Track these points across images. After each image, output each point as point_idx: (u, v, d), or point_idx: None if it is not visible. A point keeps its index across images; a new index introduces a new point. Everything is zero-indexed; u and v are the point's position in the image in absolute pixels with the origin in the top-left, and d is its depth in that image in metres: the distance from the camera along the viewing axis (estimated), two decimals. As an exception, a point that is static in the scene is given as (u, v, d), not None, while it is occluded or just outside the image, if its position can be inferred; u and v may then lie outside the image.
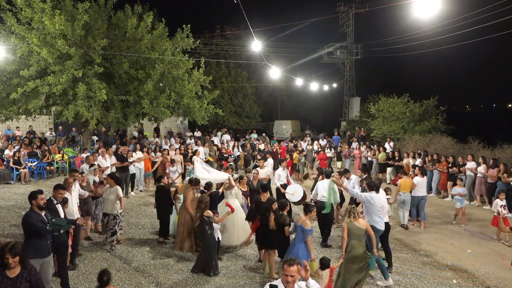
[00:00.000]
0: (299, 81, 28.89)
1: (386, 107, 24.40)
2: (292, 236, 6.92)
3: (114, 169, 12.07)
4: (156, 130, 24.31)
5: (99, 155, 12.12)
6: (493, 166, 12.76)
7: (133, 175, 13.66)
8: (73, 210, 7.38)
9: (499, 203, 9.66)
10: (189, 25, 17.00)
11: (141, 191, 14.32)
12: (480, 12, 20.16)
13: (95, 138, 20.57)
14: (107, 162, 12.06)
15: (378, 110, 25.03)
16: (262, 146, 20.51)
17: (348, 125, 31.69)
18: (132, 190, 13.83)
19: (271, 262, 7.35)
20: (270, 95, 43.14)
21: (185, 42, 17.12)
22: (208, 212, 7.55)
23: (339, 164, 19.31)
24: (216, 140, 22.16)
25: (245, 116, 33.58)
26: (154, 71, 15.71)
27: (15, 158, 14.28)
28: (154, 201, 9.45)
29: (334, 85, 35.28)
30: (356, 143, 20.25)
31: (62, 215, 6.50)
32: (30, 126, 22.04)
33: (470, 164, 13.57)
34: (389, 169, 16.42)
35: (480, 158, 13.53)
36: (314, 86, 33.05)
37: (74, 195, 7.63)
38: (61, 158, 16.39)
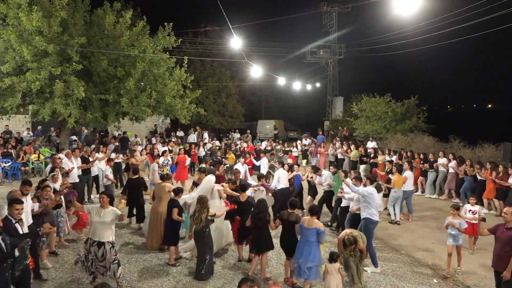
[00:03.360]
0: (282, 80, 28.85)
1: (369, 106, 24.54)
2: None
3: (80, 172, 11.32)
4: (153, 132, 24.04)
5: (61, 155, 11.07)
6: (461, 163, 13.45)
7: (96, 177, 12.34)
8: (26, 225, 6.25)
9: (468, 208, 8.72)
10: (171, 23, 16.72)
11: None
12: (462, 11, 20.35)
13: (74, 137, 20.09)
14: (73, 163, 10.95)
15: (361, 109, 25.17)
16: (245, 145, 20.33)
17: (331, 125, 31.79)
18: (98, 193, 12.32)
19: (263, 262, 7.24)
20: (254, 95, 43.01)
21: (166, 40, 16.85)
22: (212, 211, 7.28)
23: (304, 162, 19.18)
24: (192, 138, 22.07)
25: (229, 116, 33.37)
26: (135, 69, 15.43)
27: (-12, 158, 13.83)
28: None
29: (318, 84, 35.37)
30: (338, 142, 20.26)
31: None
32: (6, 125, 21.43)
33: (442, 160, 14.17)
34: (362, 167, 16.56)
35: (450, 154, 14.31)
36: (298, 86, 33.05)
37: (24, 209, 6.26)
38: (37, 159, 15.93)
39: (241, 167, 11.91)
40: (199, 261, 7.14)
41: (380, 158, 15.62)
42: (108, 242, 6.42)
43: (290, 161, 14.98)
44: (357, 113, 25.43)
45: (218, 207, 8.35)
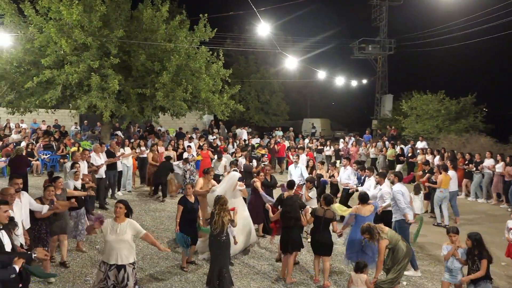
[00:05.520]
0: (328, 78, 27.88)
1: (420, 104, 23.05)
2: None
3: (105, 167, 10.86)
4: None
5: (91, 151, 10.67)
6: (510, 164, 12.24)
7: (120, 172, 12.17)
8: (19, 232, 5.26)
9: (509, 224, 7.12)
10: (205, 14, 16.39)
11: (129, 191, 12.95)
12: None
13: (118, 133, 20.35)
14: (101, 159, 10.62)
15: (411, 107, 23.74)
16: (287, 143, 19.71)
17: (379, 124, 30.37)
18: (119, 190, 12.50)
19: (290, 264, 6.67)
20: (300, 93, 42.14)
21: (202, 32, 16.54)
22: (232, 215, 6.57)
23: (338, 162, 18.26)
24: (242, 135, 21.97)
25: (272, 114, 32.81)
26: (170, 63, 15.27)
27: (28, 150, 14.13)
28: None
29: (364, 81, 33.83)
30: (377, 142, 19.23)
31: (8, 247, 4.34)
32: (55, 120, 22.23)
33: (488, 162, 13.06)
34: (399, 166, 15.63)
35: (498, 155, 13.04)
36: (344, 83, 31.78)
37: (16, 211, 5.37)
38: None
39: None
40: (214, 269, 6.22)
41: (419, 158, 14.59)
42: (129, 264, 5.18)
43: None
44: (407, 111, 24.00)
45: (241, 207, 7.82)
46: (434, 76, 35.79)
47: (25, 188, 7.41)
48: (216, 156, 12.66)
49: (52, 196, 6.36)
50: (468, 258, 5.61)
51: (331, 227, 6.66)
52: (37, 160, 14.70)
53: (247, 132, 23.70)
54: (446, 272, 5.90)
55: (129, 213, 5.35)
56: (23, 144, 14.87)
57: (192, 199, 7.06)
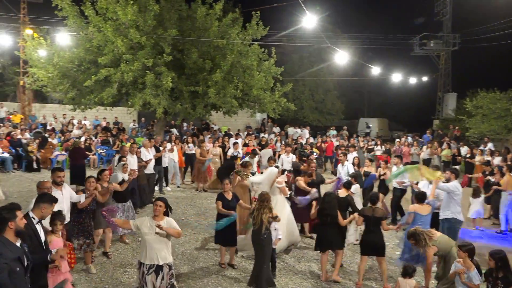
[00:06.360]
0: (386, 76, 26.83)
1: (486, 103, 21.37)
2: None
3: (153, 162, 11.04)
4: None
5: (140, 147, 11.07)
6: None
7: (166, 168, 12.33)
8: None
9: None
10: (258, 12, 16.30)
11: (178, 187, 13.09)
12: None
13: (174, 130, 20.88)
14: (150, 154, 10.87)
15: (476, 106, 22.10)
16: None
17: (441, 124, 28.68)
18: (167, 185, 12.71)
19: (338, 263, 6.53)
20: (356, 92, 40.96)
21: (254, 30, 16.47)
22: (275, 213, 6.34)
23: None
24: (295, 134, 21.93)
25: (327, 113, 32.12)
26: (225, 61, 15.35)
27: (86, 144, 14.82)
28: None
29: (424, 78, 32.03)
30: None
31: (42, 239, 4.29)
32: (115, 117, 23.26)
33: None
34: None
35: None
36: (404, 81, 30.37)
37: (58, 204, 4.88)
38: (131, 147, 16.79)
39: (287, 158, 12.55)
40: (256, 266, 6.20)
41: (477, 159, 13.47)
42: (166, 264, 4.99)
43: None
44: (472, 110, 22.39)
45: (281, 204, 7.57)
46: (503, 72, 32.99)
47: (82, 179, 7.56)
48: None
49: (93, 187, 6.34)
50: (488, 281, 4.66)
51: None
52: (94, 154, 15.39)
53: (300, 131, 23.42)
54: None
55: (168, 211, 5.14)
56: (83, 139, 15.65)
57: (229, 196, 6.85)
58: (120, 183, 7.49)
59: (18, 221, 3.62)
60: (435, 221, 7.14)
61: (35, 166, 14.40)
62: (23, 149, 14.69)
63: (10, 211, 3.62)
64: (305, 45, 32.15)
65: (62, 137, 16.52)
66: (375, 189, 10.03)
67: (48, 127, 19.08)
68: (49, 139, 15.58)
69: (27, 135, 16.19)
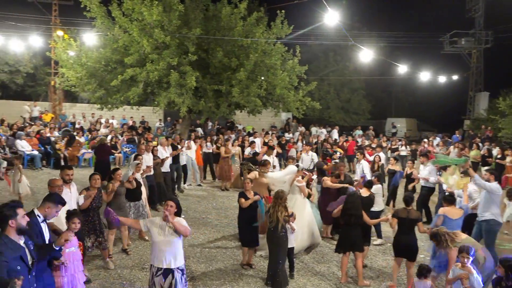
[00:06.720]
0: (414, 74, 26.21)
1: (521, 102, 20.62)
2: None
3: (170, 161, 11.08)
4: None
5: (157, 146, 11.10)
6: None
7: (184, 166, 12.34)
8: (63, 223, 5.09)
9: None
10: (283, 11, 16.19)
11: (199, 185, 13.13)
12: None
13: (199, 129, 21.03)
14: (167, 152, 10.94)
15: (510, 106, 21.29)
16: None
17: (472, 124, 27.75)
18: (184, 183, 12.67)
19: (359, 266, 6.35)
20: (384, 91, 40.15)
21: (279, 29, 16.37)
22: (290, 211, 6.31)
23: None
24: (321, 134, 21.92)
25: (353, 113, 31.64)
26: (248, 60, 15.33)
27: (112, 143, 15.09)
28: None
29: (455, 77, 31.02)
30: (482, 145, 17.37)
31: (47, 238, 4.31)
32: (142, 116, 23.64)
33: None
34: (483, 169, 13.80)
35: None
36: (433, 80, 29.53)
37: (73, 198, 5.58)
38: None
39: (306, 157, 12.52)
40: (271, 265, 6.16)
41: (508, 160, 12.87)
42: (177, 269, 4.81)
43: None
44: (505, 110, 21.56)
45: (301, 204, 7.45)
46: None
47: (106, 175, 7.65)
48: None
49: (97, 185, 6.23)
50: None
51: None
52: (120, 152, 15.65)
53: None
54: None
55: (179, 212, 4.97)
56: (109, 137, 15.96)
57: (250, 194, 6.79)
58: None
59: (19, 219, 3.60)
60: (468, 222, 6.92)
61: (62, 163, 14.78)
62: (51, 147, 15.13)
63: (11, 209, 3.60)
64: (330, 44, 31.86)
65: (89, 136, 16.91)
66: (401, 189, 9.82)
67: (77, 126, 19.56)
68: (77, 138, 15.97)
69: (56, 133, 16.67)
